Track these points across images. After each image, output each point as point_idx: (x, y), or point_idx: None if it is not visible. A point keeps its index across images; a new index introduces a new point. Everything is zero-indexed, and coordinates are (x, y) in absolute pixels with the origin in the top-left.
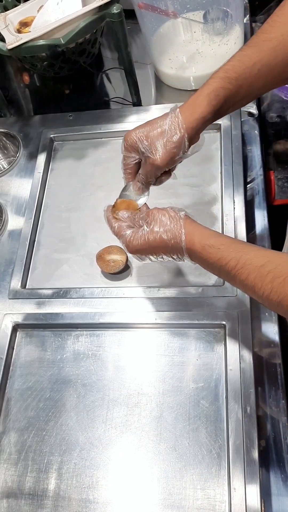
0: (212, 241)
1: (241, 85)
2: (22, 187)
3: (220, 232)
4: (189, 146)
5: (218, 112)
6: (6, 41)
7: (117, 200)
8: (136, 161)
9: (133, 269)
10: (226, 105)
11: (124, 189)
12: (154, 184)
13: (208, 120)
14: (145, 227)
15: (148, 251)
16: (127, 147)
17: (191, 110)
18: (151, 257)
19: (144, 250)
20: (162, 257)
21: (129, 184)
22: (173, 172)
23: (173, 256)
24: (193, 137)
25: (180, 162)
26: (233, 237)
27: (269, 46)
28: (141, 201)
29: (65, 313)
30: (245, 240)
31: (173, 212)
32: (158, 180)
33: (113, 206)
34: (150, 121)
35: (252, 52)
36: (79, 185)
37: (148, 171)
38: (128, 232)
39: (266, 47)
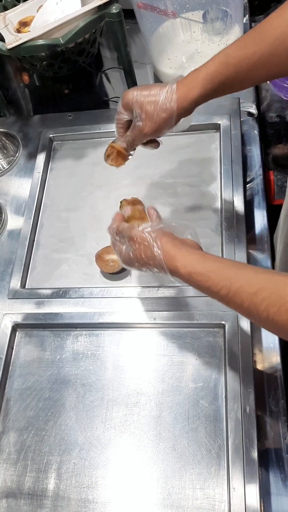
0: (199, 267)
1: (238, 72)
2: (21, 187)
3: (220, 232)
4: (176, 122)
5: (212, 96)
6: (6, 41)
7: (121, 201)
8: (127, 119)
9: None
10: (220, 89)
11: (114, 141)
12: (143, 146)
13: (200, 103)
14: (129, 248)
15: (137, 266)
16: (123, 105)
17: (186, 90)
18: (142, 270)
19: (133, 264)
20: (151, 271)
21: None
22: (159, 140)
23: (162, 274)
24: (182, 115)
25: (164, 135)
26: (233, 237)
27: (270, 35)
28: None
29: (65, 313)
30: (245, 245)
31: (148, 234)
32: (144, 145)
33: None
34: (149, 86)
35: (253, 40)
36: (79, 185)
37: (135, 134)
38: (121, 247)
39: (267, 36)
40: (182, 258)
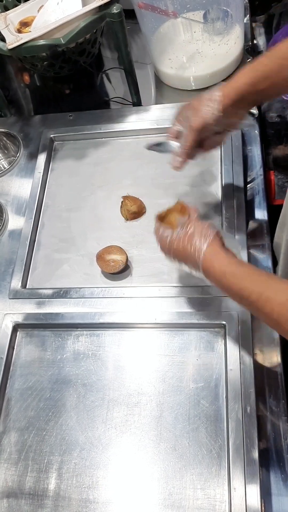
0: (234, 269)
1: (284, 65)
2: (22, 187)
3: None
4: (224, 115)
5: (256, 86)
6: (7, 41)
7: (163, 212)
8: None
9: (133, 269)
10: (265, 81)
11: (159, 144)
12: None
13: (245, 93)
14: (179, 232)
15: (170, 255)
16: (178, 118)
17: (229, 82)
18: (174, 259)
19: (167, 252)
20: (182, 264)
21: (165, 143)
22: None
23: (191, 269)
24: (227, 106)
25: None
26: (234, 237)
27: None
28: None
29: (65, 313)
30: (246, 245)
31: (205, 229)
32: (203, 146)
33: (162, 215)
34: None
35: None
36: (79, 185)
37: (186, 135)
38: (162, 231)
39: None
40: (221, 257)
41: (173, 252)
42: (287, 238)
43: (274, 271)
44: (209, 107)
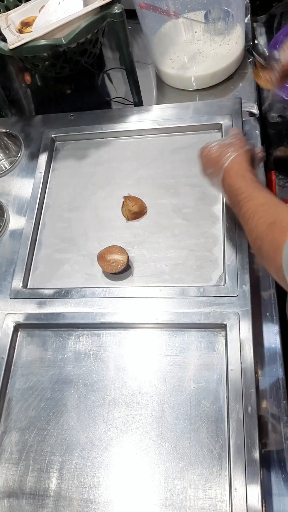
0: (245, 174)
1: None
2: (23, 187)
3: (222, 232)
4: None
5: None
6: (8, 41)
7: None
8: None
9: (134, 269)
10: None
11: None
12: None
13: None
14: (224, 140)
15: (203, 158)
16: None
17: None
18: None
19: (203, 156)
20: (208, 172)
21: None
22: None
23: (211, 174)
24: None
25: None
26: (235, 237)
27: None
28: None
29: (66, 313)
30: (246, 245)
31: (241, 148)
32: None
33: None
34: None
35: None
36: (81, 185)
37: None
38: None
39: None
40: (241, 166)
41: (206, 155)
42: None
43: None
44: None
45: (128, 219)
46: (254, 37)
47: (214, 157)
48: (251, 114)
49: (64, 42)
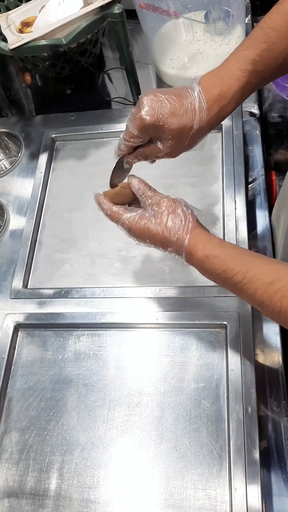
0: (217, 251)
1: (265, 78)
2: (23, 187)
3: (222, 232)
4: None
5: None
6: (8, 41)
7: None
8: (144, 142)
9: (134, 269)
10: (245, 98)
11: (117, 167)
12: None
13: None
14: (152, 218)
15: (147, 239)
16: (140, 128)
17: (219, 109)
18: (149, 244)
19: (144, 237)
20: (159, 249)
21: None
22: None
23: (171, 253)
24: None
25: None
26: (235, 237)
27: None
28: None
29: (67, 313)
30: (247, 246)
31: (183, 212)
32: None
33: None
34: (173, 105)
35: (279, 38)
36: (81, 185)
37: (153, 154)
38: (130, 214)
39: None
40: (204, 240)
41: (149, 238)
42: (285, 218)
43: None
44: (194, 141)
45: None
46: None
47: (161, 238)
48: (252, 114)
49: (64, 42)
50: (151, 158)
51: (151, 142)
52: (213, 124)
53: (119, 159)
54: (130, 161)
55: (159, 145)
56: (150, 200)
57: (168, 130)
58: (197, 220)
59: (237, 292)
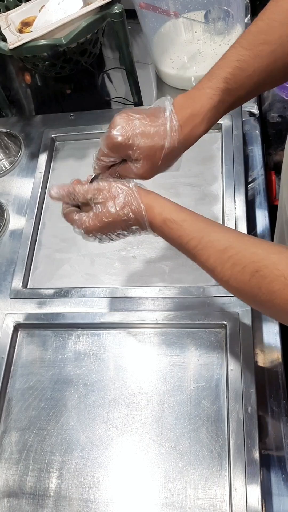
0: (174, 215)
1: (239, 96)
2: (23, 187)
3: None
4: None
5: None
6: (8, 41)
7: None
8: (116, 162)
9: (134, 269)
10: (219, 117)
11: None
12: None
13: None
14: (99, 207)
15: (108, 231)
16: (110, 147)
17: (190, 129)
18: (112, 236)
19: (103, 230)
20: (123, 234)
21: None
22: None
23: (135, 232)
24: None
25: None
26: None
27: (268, 50)
28: None
29: (66, 313)
30: None
31: (123, 185)
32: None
33: None
34: (145, 124)
35: (251, 57)
36: None
37: (127, 174)
38: (80, 216)
39: (265, 51)
40: (158, 205)
41: (108, 226)
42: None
43: None
44: (168, 163)
45: None
46: None
47: (119, 222)
48: (251, 114)
49: (64, 42)
50: (126, 177)
51: (126, 161)
52: (187, 143)
53: (93, 177)
54: (105, 179)
55: (131, 165)
56: (88, 196)
57: (138, 150)
58: (141, 187)
59: (192, 257)
